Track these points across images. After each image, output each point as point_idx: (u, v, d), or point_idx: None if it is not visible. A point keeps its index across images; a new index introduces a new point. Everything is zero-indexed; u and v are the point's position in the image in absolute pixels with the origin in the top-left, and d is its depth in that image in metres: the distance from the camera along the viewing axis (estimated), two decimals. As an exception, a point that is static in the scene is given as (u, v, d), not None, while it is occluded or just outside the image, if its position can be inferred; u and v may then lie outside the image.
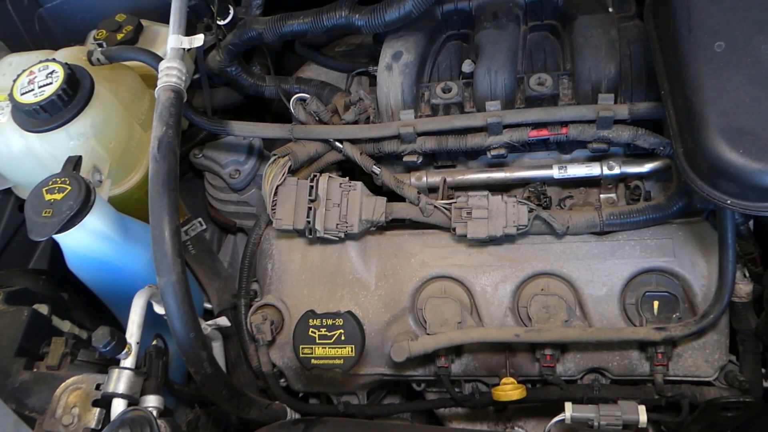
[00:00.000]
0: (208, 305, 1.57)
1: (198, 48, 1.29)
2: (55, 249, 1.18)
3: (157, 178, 1.03)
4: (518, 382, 1.24)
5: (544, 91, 1.30)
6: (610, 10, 1.33)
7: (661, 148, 1.22)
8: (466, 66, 1.35)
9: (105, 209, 1.14)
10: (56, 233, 1.07)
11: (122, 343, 1.05)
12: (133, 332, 1.09)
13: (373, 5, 1.30)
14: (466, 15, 1.41)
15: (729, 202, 0.91)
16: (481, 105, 1.31)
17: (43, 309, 1.26)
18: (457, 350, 1.29)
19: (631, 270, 1.25)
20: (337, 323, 1.21)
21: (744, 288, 1.21)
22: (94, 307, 1.39)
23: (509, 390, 1.20)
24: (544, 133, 1.28)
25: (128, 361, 1.05)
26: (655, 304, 1.23)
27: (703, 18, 0.95)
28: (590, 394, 1.25)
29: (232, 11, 1.54)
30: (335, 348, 1.20)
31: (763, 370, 1.25)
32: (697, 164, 0.94)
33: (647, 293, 1.23)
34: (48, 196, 1.08)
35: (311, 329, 1.21)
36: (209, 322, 1.33)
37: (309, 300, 1.34)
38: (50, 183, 1.09)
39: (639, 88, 1.28)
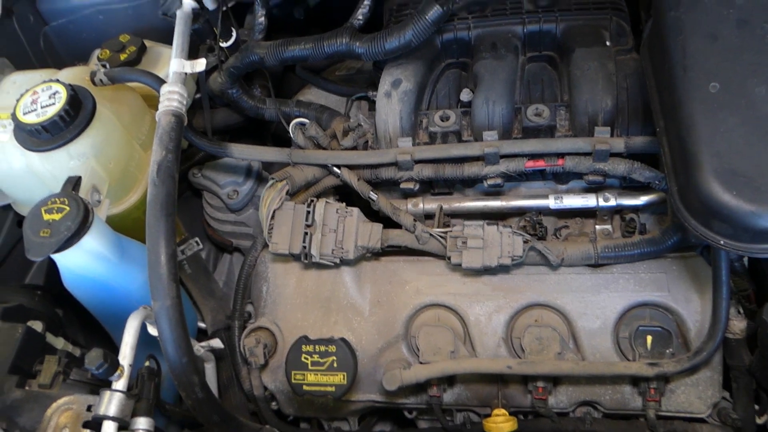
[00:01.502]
0: (202, 324, 1.58)
1: (200, 71, 1.30)
2: (52, 265, 1.18)
3: (155, 203, 1.04)
4: (510, 414, 1.23)
5: (541, 122, 1.31)
6: (608, 43, 1.34)
7: (657, 182, 1.23)
8: (465, 95, 1.37)
9: (102, 230, 1.15)
10: (53, 253, 1.08)
11: (115, 365, 1.04)
12: (126, 354, 1.09)
13: (373, 33, 1.32)
14: (466, 44, 1.43)
15: (722, 242, 0.92)
16: (479, 134, 1.32)
17: (38, 326, 1.26)
18: (450, 379, 1.29)
19: (624, 303, 1.25)
20: (329, 350, 1.21)
21: (738, 324, 1.21)
22: (89, 324, 1.40)
23: (501, 422, 1.19)
24: (540, 164, 1.28)
25: (120, 384, 1.05)
26: (649, 338, 1.23)
27: (698, 58, 0.96)
28: (582, 428, 1.25)
29: (234, 34, 1.56)
30: (327, 375, 1.20)
31: (757, 407, 1.25)
32: (691, 203, 0.94)
33: (641, 327, 1.23)
34: (46, 216, 1.08)
35: (304, 355, 1.21)
36: (202, 343, 1.32)
37: (303, 324, 1.34)
38: (49, 203, 1.10)
39: (635, 121, 1.29)
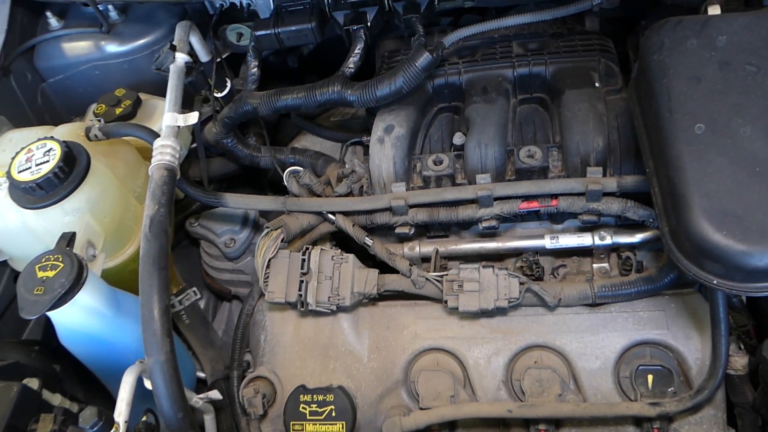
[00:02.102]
0: (201, 374, 1.56)
1: (194, 123, 1.32)
2: (49, 320, 1.18)
3: (148, 258, 1.04)
4: (513, 459, 1.22)
5: (534, 164, 1.32)
6: (597, 84, 1.36)
7: (651, 221, 1.23)
8: (457, 138, 1.38)
9: (97, 285, 1.15)
10: (47, 311, 1.07)
11: (110, 423, 1.04)
12: (121, 411, 1.08)
13: (365, 81, 1.34)
14: (457, 89, 1.45)
15: (715, 282, 0.92)
16: (472, 177, 1.33)
17: (34, 383, 1.24)
18: (451, 424, 1.27)
19: (624, 342, 1.24)
20: (327, 399, 1.20)
21: (739, 361, 1.20)
22: (86, 378, 1.39)
23: (503, 467, 1.17)
24: (534, 205, 1.29)
25: (116, 441, 1.04)
26: (650, 377, 1.21)
27: (683, 100, 0.97)
28: (587, 471, 1.23)
29: (229, 84, 1.60)
30: (326, 425, 1.18)
31: (764, 444, 1.23)
32: (682, 244, 0.94)
33: (641, 367, 1.22)
34: (40, 274, 1.09)
35: (302, 405, 1.20)
36: (201, 395, 1.31)
37: (301, 372, 1.33)
38: (43, 260, 1.10)
39: (628, 160, 1.30)
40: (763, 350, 1.07)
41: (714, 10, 1.14)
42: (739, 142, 0.92)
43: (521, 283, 1.25)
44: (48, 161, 1.20)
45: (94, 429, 1.01)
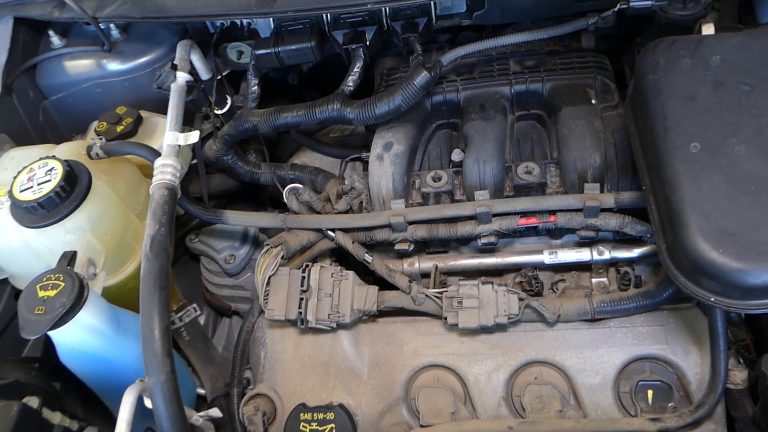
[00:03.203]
0: (201, 391, 1.56)
1: (195, 142, 1.33)
2: (49, 338, 1.19)
3: (149, 277, 1.05)
4: (514, 475, 1.21)
5: (532, 180, 1.33)
6: (594, 101, 1.37)
7: (648, 236, 1.24)
8: (456, 155, 1.39)
9: (98, 304, 1.15)
10: (48, 330, 1.08)
11: (110, 443, 1.04)
12: (121, 430, 1.08)
13: (364, 99, 1.35)
14: (455, 106, 1.46)
15: (713, 299, 0.93)
16: (471, 193, 1.33)
17: (34, 402, 1.25)
18: (451, 442, 1.27)
19: (623, 358, 1.24)
20: (328, 417, 1.20)
21: (739, 375, 1.20)
22: (86, 396, 1.39)
23: (504, 484, 1.17)
24: (532, 221, 1.30)
25: (115, 460, 1.04)
26: (650, 393, 1.22)
27: (678, 119, 0.98)
28: (588, 488, 1.22)
29: (229, 101, 1.61)
30: (326, 443, 1.19)
31: (765, 459, 1.23)
32: (679, 262, 0.95)
33: (641, 382, 1.22)
34: (41, 293, 1.09)
35: (302, 423, 1.20)
36: (201, 413, 1.31)
37: (301, 389, 1.33)
38: (44, 279, 1.11)
39: (625, 175, 1.31)
40: (762, 365, 1.08)
41: (708, 29, 1.16)
42: (734, 161, 0.93)
43: (520, 299, 1.25)
44: (50, 180, 1.21)
45: (95, 448, 1.02)
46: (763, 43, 1.00)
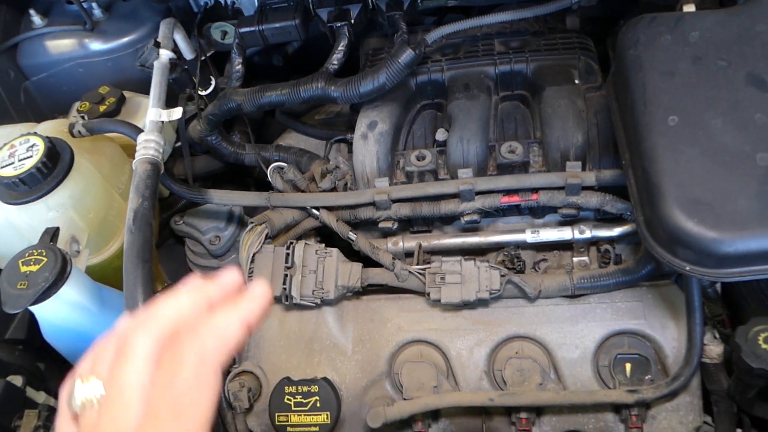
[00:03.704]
0: (186, 371, 1.57)
1: (179, 118, 1.33)
2: (33, 318, 1.19)
3: (132, 250, 1.05)
4: (495, 447, 1.24)
5: (515, 159, 1.34)
6: (577, 81, 1.39)
7: (629, 214, 1.26)
8: (440, 135, 1.40)
9: (81, 279, 1.16)
10: (31, 305, 1.08)
11: (95, 416, 1.04)
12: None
13: (348, 77, 1.36)
14: (440, 86, 1.47)
15: (688, 268, 0.95)
16: (455, 172, 1.35)
17: (18, 380, 1.25)
18: (434, 414, 1.29)
19: (602, 332, 1.26)
20: (312, 390, 1.21)
21: (715, 349, 1.23)
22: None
23: (485, 456, 1.19)
24: (515, 200, 1.31)
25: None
26: (628, 366, 1.24)
27: (657, 94, 1.00)
28: (567, 457, 1.25)
29: (213, 82, 1.60)
30: (311, 415, 1.20)
31: (740, 431, 1.26)
32: (657, 233, 0.97)
33: (619, 355, 1.25)
34: (24, 268, 1.09)
35: (287, 396, 1.21)
36: (186, 390, 1.32)
37: (287, 366, 1.34)
38: (26, 255, 1.11)
39: (607, 155, 1.32)
40: (735, 338, 1.10)
41: (689, 7, 1.18)
42: (710, 133, 0.95)
43: (502, 275, 1.27)
44: (31, 156, 1.20)
45: (80, 421, 1.02)
46: (741, 20, 1.02)
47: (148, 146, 1.19)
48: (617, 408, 1.24)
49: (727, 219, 0.89)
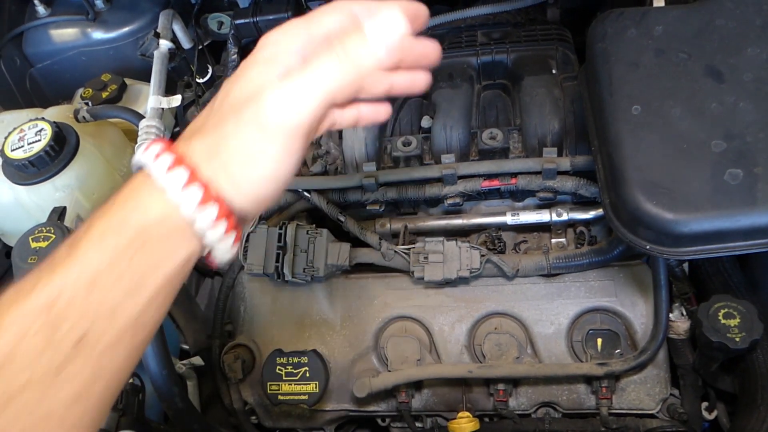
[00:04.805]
0: (185, 346, 1.65)
1: (177, 106, 1.40)
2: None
3: (135, 227, 1.12)
4: (474, 416, 1.32)
5: (496, 145, 1.41)
6: (554, 71, 1.46)
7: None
8: (425, 122, 1.47)
9: (87, 256, 1.23)
10: (40, 278, 1.15)
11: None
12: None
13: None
14: (425, 75, 1.53)
15: (648, 247, 1.02)
16: (439, 158, 1.42)
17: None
18: (417, 386, 1.37)
19: (576, 309, 1.34)
20: (302, 361, 1.29)
21: (681, 325, 1.31)
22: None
23: (464, 423, 1.28)
24: (495, 184, 1.38)
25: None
26: (599, 341, 1.32)
27: (622, 84, 1.07)
28: (542, 428, 1.33)
29: (210, 70, 1.68)
30: (300, 384, 1.28)
31: (706, 404, 1.34)
32: (620, 214, 1.05)
33: (591, 331, 1.33)
34: (34, 244, 1.17)
35: (278, 367, 1.29)
36: (184, 361, 1.40)
37: (279, 340, 1.42)
38: (36, 232, 1.18)
39: (582, 141, 1.39)
40: (698, 313, 1.18)
41: (659, 2, 1.25)
42: (669, 121, 1.02)
43: (482, 255, 1.35)
44: (40, 140, 1.27)
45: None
46: (701, 14, 1.09)
47: (150, 131, 1.26)
48: (589, 380, 1.32)
49: (683, 201, 0.97)
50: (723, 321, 1.15)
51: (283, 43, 0.67)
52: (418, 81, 0.71)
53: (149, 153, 0.62)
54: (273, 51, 0.67)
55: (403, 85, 0.70)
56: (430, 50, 0.70)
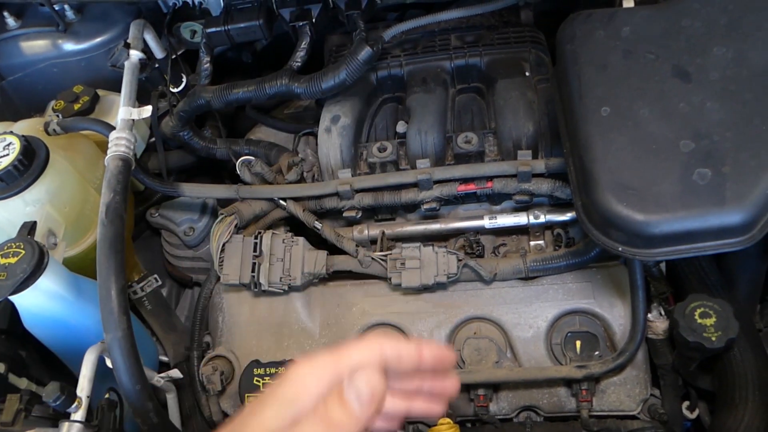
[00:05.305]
0: (164, 358, 1.63)
1: (152, 115, 1.39)
2: (14, 308, 1.24)
3: (105, 242, 1.11)
4: (456, 422, 1.31)
5: (471, 149, 1.41)
6: (528, 74, 1.45)
7: (575, 199, 1.33)
8: (400, 127, 1.47)
9: (58, 270, 1.21)
10: (10, 295, 1.14)
11: (72, 397, 1.11)
12: (83, 386, 1.15)
13: (311, 74, 1.42)
14: (399, 80, 1.54)
15: (620, 249, 1.02)
16: (414, 163, 1.42)
17: (0, 368, 1.31)
18: (397, 393, 1.36)
19: (554, 312, 1.34)
20: (280, 371, 1.28)
21: (660, 326, 1.30)
22: (52, 364, 1.45)
23: (444, 429, 1.27)
24: (471, 188, 1.38)
25: (78, 415, 1.11)
26: (578, 343, 1.32)
27: (591, 86, 1.07)
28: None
29: (184, 79, 1.66)
30: (278, 395, 1.26)
31: (688, 403, 1.34)
32: (592, 216, 1.04)
33: (570, 333, 1.32)
34: (2, 260, 1.15)
35: (255, 378, 1.28)
36: (162, 374, 1.38)
37: (257, 350, 1.41)
38: (5, 248, 1.16)
39: (557, 143, 1.39)
40: (674, 313, 1.17)
41: (628, 2, 1.25)
42: (638, 123, 1.02)
43: (459, 260, 1.34)
44: (8, 155, 1.26)
45: (57, 403, 1.08)
46: (668, 15, 1.09)
47: (120, 143, 1.25)
48: (569, 383, 1.32)
49: (653, 202, 0.97)
50: (699, 320, 1.15)
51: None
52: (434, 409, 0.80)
53: None
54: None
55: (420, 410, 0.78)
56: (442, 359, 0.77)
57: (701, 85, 1.02)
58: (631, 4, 1.25)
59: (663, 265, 1.35)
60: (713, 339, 1.12)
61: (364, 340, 0.74)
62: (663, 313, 1.33)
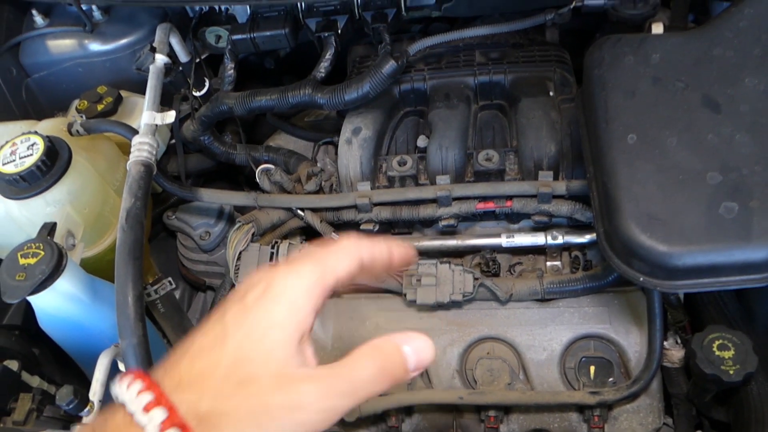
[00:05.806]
0: (175, 361, 1.63)
1: (171, 122, 1.39)
2: (29, 305, 1.25)
3: (124, 247, 1.11)
4: (465, 442, 1.30)
5: (491, 167, 1.40)
6: (551, 93, 1.45)
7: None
8: (421, 141, 1.47)
9: (76, 272, 1.22)
10: (28, 296, 1.14)
11: (85, 401, 1.11)
12: (96, 390, 1.15)
13: (334, 86, 1.42)
14: (422, 94, 1.53)
15: (641, 279, 1.01)
16: (434, 178, 1.41)
17: (14, 365, 1.32)
18: (408, 410, 1.35)
19: (569, 336, 1.33)
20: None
21: (676, 354, 1.29)
22: (64, 362, 1.45)
23: (453, 449, 1.26)
24: (490, 206, 1.37)
25: (90, 419, 1.12)
26: (592, 368, 1.31)
27: (618, 112, 1.06)
28: (532, 455, 1.32)
29: (207, 83, 1.67)
30: (289, 407, 1.26)
31: (700, 432, 1.32)
32: (614, 244, 1.03)
33: (584, 358, 1.31)
34: (22, 261, 1.16)
35: (267, 388, 1.27)
36: (172, 379, 1.38)
37: (269, 359, 1.40)
38: (25, 248, 1.17)
39: (579, 165, 1.38)
40: (692, 343, 1.16)
41: (657, 28, 1.24)
42: (665, 152, 1.01)
43: (475, 279, 1.33)
44: (31, 155, 1.26)
45: (70, 406, 1.09)
46: (700, 43, 1.08)
47: (142, 149, 1.25)
48: (581, 408, 1.30)
49: (677, 234, 0.95)
50: (717, 353, 1.14)
51: None
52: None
53: (138, 401, 0.58)
54: None
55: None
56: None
57: (731, 117, 1.00)
58: (660, 22, 1.24)
59: (681, 294, 1.34)
60: (731, 372, 1.11)
61: (342, 244, 0.69)
62: (679, 341, 1.31)
